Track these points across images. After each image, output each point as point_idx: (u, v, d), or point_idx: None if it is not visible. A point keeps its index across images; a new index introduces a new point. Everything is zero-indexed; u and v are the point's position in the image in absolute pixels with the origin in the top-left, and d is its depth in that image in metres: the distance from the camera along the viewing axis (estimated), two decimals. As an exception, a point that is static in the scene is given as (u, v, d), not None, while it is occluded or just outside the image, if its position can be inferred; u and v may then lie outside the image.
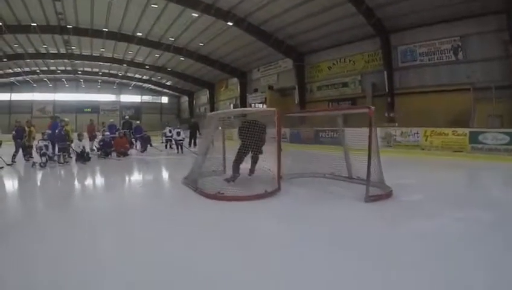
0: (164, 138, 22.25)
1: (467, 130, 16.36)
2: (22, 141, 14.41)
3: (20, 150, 14.47)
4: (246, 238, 4.57)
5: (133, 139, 19.48)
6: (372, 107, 6.74)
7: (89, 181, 10.70)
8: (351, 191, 7.18)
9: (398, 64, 23.84)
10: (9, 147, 14.35)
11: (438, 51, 21.72)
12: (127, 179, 11.39)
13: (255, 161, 8.71)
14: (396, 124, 20.25)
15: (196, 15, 27.32)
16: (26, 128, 14.79)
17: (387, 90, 23.98)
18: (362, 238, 4.48)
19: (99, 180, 11.14)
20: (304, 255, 3.92)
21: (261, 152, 8.30)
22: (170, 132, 19.30)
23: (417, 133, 17.81)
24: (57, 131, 14.42)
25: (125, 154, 16.32)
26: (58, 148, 13.91)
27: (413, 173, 10.34)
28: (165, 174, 12.43)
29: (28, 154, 14.65)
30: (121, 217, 5.82)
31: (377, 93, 24.88)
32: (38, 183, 10.29)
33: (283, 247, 4.24)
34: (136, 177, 11.86)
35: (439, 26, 21.25)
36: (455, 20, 20.28)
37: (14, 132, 14.62)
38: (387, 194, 6.59)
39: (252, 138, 7.78)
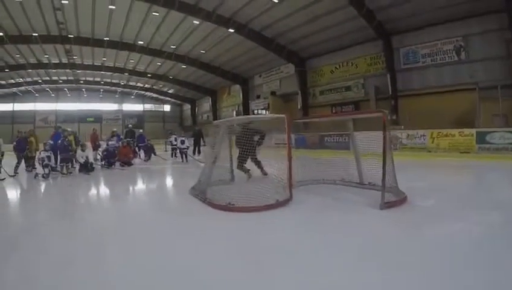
0: (170, 147, 21.97)
1: (473, 131, 16.28)
2: (24, 153, 14.19)
3: (23, 161, 14.26)
4: (260, 251, 4.35)
5: (136, 148, 19.32)
6: (386, 111, 6.61)
7: (93, 192, 10.49)
8: (364, 197, 6.96)
9: (400, 66, 23.86)
10: (12, 158, 14.17)
11: (440, 51, 21.72)
12: (132, 189, 11.08)
13: (256, 164, 9.78)
14: (402, 127, 20.10)
15: (197, 22, 27.43)
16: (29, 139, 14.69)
17: (390, 92, 23.84)
18: (383, 248, 4.29)
19: (104, 191, 10.88)
20: (323, 267, 3.75)
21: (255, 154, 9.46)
22: (176, 140, 19.04)
23: (423, 136, 17.66)
24: (59, 141, 14.27)
25: (129, 163, 16.13)
26: (61, 159, 13.67)
27: (423, 176, 10.13)
28: (171, 185, 12.02)
29: (30, 166, 14.46)
30: (128, 230, 5.54)
31: (380, 96, 24.84)
32: (41, 195, 10.14)
33: (300, 259, 4.02)
34: (142, 188, 11.48)
35: (441, 27, 21.31)
36: (457, 20, 20.33)
37: (15, 143, 14.37)
38: (402, 200, 6.39)
39: (245, 144, 8.55)
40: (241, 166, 9.70)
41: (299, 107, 31.23)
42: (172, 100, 63.03)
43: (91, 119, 58.03)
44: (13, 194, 10.33)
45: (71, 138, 15.06)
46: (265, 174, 9.23)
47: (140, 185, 11.91)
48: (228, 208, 6.40)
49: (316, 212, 6.21)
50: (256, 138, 9.50)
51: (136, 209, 7.39)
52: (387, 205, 6.02)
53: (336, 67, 28.78)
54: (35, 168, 14.17)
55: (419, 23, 21.94)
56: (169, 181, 12.66)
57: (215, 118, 47.50)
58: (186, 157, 17.88)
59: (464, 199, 7.09)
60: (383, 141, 6.34)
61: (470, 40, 20.30)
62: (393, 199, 6.30)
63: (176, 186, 10.75)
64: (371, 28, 22.97)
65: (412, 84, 23.32)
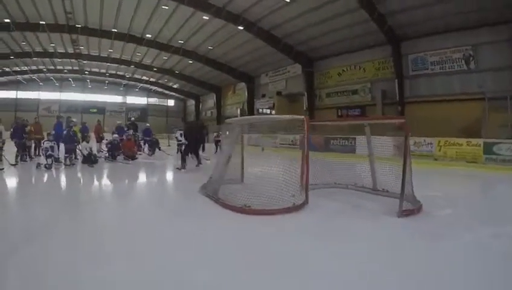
0: (176, 142, 21.52)
1: (481, 141, 16.15)
2: (22, 140, 14.04)
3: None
4: (276, 257, 4.22)
5: (141, 142, 19.17)
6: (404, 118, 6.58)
7: (97, 186, 10.37)
8: (379, 204, 6.92)
9: (409, 72, 23.66)
10: (13, 146, 14.05)
11: (449, 59, 21.48)
12: (138, 185, 10.90)
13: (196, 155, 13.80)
14: (410, 134, 19.93)
15: (207, 18, 27.22)
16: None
17: (397, 98, 23.69)
18: (404, 258, 4.22)
19: (109, 185, 10.62)
20: (341, 277, 3.65)
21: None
22: (181, 135, 18.72)
23: (431, 144, 17.55)
24: (65, 132, 14.13)
25: (133, 157, 15.97)
26: (66, 150, 13.57)
27: (434, 185, 9.98)
28: (178, 181, 11.54)
29: (24, 155, 14.30)
30: (137, 234, 5.18)
31: (387, 101, 24.70)
32: (45, 187, 10.01)
33: (318, 267, 3.92)
34: (148, 184, 11.25)
35: (451, 35, 21.07)
36: (467, 29, 20.13)
37: (12, 130, 14.19)
38: (418, 209, 6.30)
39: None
40: (183, 158, 12.69)
41: (304, 108, 31.07)
42: (177, 95, 63.00)
43: (94, 110, 57.98)
44: (16, 186, 10.16)
45: (76, 128, 14.94)
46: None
47: (147, 182, 11.65)
48: (243, 210, 6.25)
49: (333, 219, 6.12)
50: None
51: (146, 210, 7.04)
52: (404, 213, 5.95)
53: (343, 70, 28.59)
54: (32, 158, 14.08)
55: (429, 30, 21.77)
56: (176, 178, 12.26)
57: (219, 115, 47.79)
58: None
59: (479, 209, 7.11)
60: (404, 149, 6.41)
61: (480, 50, 20.07)
62: (410, 208, 6.20)
63: (185, 184, 10.25)
64: (381, 32, 22.76)
65: (420, 91, 23.14)
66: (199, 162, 13.99)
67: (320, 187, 8.30)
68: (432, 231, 5.29)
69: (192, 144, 13.78)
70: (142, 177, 12.42)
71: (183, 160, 12.88)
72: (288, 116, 8.38)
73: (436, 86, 22.25)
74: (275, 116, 7.16)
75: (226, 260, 4.13)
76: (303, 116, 7.20)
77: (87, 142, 14.58)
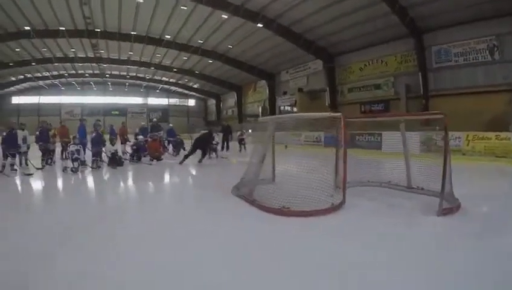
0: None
1: (510, 135, 15.71)
2: (46, 144, 14.05)
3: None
4: (320, 261, 4.08)
5: (165, 143, 19.21)
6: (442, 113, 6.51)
7: (128, 189, 10.37)
8: (415, 203, 6.79)
9: (432, 65, 23.19)
10: (37, 150, 14.07)
11: (473, 50, 20.97)
12: (168, 187, 10.87)
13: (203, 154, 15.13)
14: (437, 128, 19.57)
15: (225, 16, 27.18)
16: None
17: (422, 92, 23.27)
18: (454, 259, 4.07)
19: (140, 188, 10.37)
20: (388, 283, 3.52)
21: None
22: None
23: (459, 138, 17.07)
24: (94, 134, 14.19)
25: (158, 158, 16.00)
26: (93, 153, 13.64)
27: (466, 181, 9.51)
28: (208, 182, 11.04)
29: (49, 159, 14.35)
30: (187, 239, 5.00)
31: (411, 95, 24.31)
32: (78, 190, 9.88)
33: (375, 277, 3.70)
34: (178, 185, 11.15)
35: (474, 25, 20.50)
36: (491, 18, 19.51)
37: (37, 133, 14.23)
38: (457, 207, 6.12)
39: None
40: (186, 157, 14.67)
41: (326, 104, 30.82)
42: (197, 95, 63.03)
43: (116, 112, 58.53)
44: (48, 191, 10.08)
45: (103, 130, 15.02)
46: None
47: (176, 183, 11.62)
48: (282, 212, 6.07)
49: (373, 219, 5.93)
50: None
51: (180, 211, 6.97)
52: (444, 212, 5.78)
53: (365, 65, 28.23)
54: (55, 162, 14.22)
55: (451, 21, 21.23)
56: (205, 179, 12.13)
57: (240, 114, 47.96)
58: (216, 153, 17.55)
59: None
60: (444, 145, 6.28)
61: (504, 40, 19.50)
62: (448, 206, 6.03)
63: (215, 185, 9.88)
64: (403, 25, 22.34)
65: (444, 84, 22.63)
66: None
67: (354, 185, 8.04)
68: (475, 230, 5.16)
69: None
70: (173, 178, 12.41)
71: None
72: (326, 113, 8.22)
73: (460, 78, 21.71)
74: (310, 114, 6.98)
75: (280, 267, 3.98)
76: (340, 113, 7.06)
77: (113, 144, 14.61)
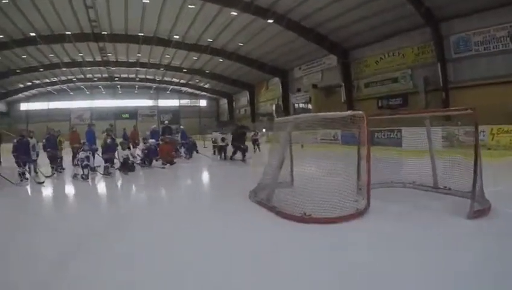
0: (213, 145, 20.41)
1: (537, 127, 14.86)
2: (55, 151, 13.76)
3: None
4: (347, 271, 3.85)
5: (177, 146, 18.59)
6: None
7: (140, 196, 10.03)
8: (443, 204, 6.45)
9: (451, 55, 22.21)
10: (45, 158, 13.77)
11: (493, 39, 19.96)
12: (183, 193, 10.39)
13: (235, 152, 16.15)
14: (459, 123, 18.74)
15: (235, 14, 26.69)
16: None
17: (441, 84, 22.34)
18: (494, 267, 3.77)
19: (152, 194, 9.97)
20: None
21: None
22: (223, 140, 17.54)
23: (483, 132, 16.09)
24: (109, 140, 13.73)
25: (171, 162, 15.40)
26: (105, 159, 13.21)
27: (494, 178, 8.56)
28: (224, 187, 10.61)
29: (58, 166, 13.89)
30: (208, 249, 4.70)
31: (430, 88, 23.46)
32: (87, 198, 9.45)
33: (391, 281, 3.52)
34: (194, 191, 10.65)
35: (493, 12, 19.48)
36: (509, 4, 18.48)
37: (44, 141, 13.97)
38: (489, 208, 5.70)
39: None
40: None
41: (342, 100, 30.20)
42: (209, 95, 62.82)
43: (126, 115, 58.55)
44: (61, 198, 9.86)
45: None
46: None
47: (191, 188, 11.24)
48: (304, 219, 5.62)
49: (401, 224, 5.58)
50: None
51: (197, 219, 6.46)
52: (475, 215, 5.38)
53: (380, 58, 27.40)
54: (64, 169, 14.00)
55: (470, 8, 20.23)
56: (220, 183, 11.79)
57: (252, 113, 47.88)
58: (225, 155, 16.93)
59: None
60: (475, 143, 5.98)
61: (525, 26, 18.62)
62: (479, 208, 5.62)
63: (230, 190, 9.28)
64: (418, 14, 21.49)
65: (464, 75, 21.66)
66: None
67: (376, 187, 7.38)
68: (508, 233, 4.89)
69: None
70: (184, 184, 12.08)
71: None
72: (347, 112, 7.74)
73: (481, 68, 20.71)
74: (332, 113, 6.45)
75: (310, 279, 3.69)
76: (361, 112, 6.74)
77: (124, 149, 14.07)
